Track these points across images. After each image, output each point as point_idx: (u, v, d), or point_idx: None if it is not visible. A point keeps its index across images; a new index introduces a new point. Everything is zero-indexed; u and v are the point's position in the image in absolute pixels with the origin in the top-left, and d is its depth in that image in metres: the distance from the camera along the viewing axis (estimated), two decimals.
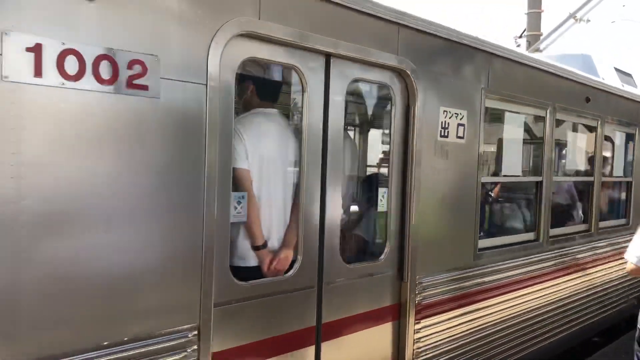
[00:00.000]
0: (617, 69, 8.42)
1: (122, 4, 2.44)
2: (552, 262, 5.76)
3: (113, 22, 2.41)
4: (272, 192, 3.36)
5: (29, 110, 2.19)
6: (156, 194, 2.59)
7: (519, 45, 12.63)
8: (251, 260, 3.28)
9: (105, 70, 2.37)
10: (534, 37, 11.97)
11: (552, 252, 5.74)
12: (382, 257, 3.92)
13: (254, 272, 3.25)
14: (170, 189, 2.64)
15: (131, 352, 2.55)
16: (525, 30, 12.39)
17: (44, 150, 2.24)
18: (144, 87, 2.50)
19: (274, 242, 3.37)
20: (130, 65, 2.44)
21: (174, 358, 2.71)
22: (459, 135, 4.36)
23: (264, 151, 3.33)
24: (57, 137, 2.28)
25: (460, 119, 4.36)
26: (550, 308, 5.77)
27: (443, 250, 4.35)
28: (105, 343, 2.47)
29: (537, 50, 11.36)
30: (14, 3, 2.14)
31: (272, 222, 3.36)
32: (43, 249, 2.26)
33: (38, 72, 2.19)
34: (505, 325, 5.12)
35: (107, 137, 2.42)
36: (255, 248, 3.27)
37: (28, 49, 2.16)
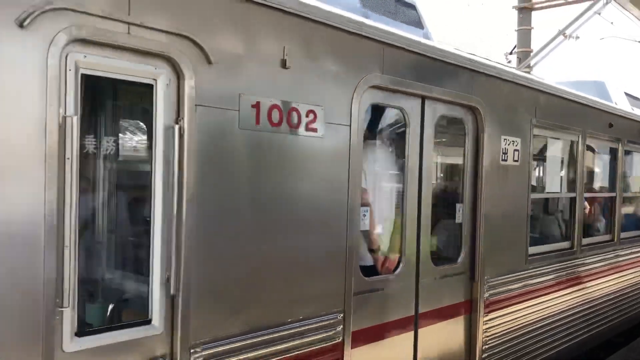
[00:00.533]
0: (627, 94, 9.36)
1: (303, 70, 3.33)
2: (584, 268, 6.62)
3: (298, 83, 3.30)
4: (382, 206, 4.24)
5: (252, 147, 3.08)
6: (322, 206, 3.47)
7: (509, 62, 13.34)
8: (368, 261, 4.13)
9: (294, 118, 3.26)
10: (524, 54, 12.50)
11: (584, 258, 6.60)
12: (459, 260, 4.80)
13: (370, 270, 4.11)
14: (329, 202, 3.52)
15: (303, 328, 3.41)
16: (515, 47, 12.88)
17: (262, 173, 3.13)
18: (315, 130, 3.39)
19: (384, 247, 4.24)
20: (307, 114, 3.33)
21: (328, 334, 3.57)
22: (514, 159, 5.26)
23: (376, 173, 4.22)
24: (264, 163, 3.16)
25: (516, 146, 5.26)
26: (581, 309, 6.61)
27: (503, 255, 5.21)
28: (289, 320, 3.33)
29: (528, 66, 12.17)
30: (244, 74, 3.02)
31: (382, 231, 4.24)
32: (258, 247, 3.14)
33: (257, 121, 3.07)
34: (546, 322, 5.95)
35: (296, 165, 3.31)
36: (372, 251, 4.14)
37: (252, 106, 3.04)
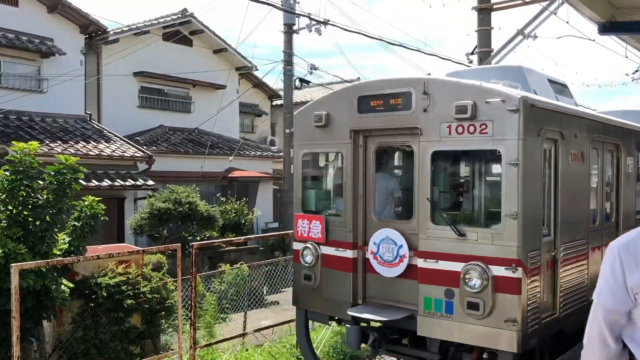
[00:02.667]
0: (550, 80, 11.64)
1: None
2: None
3: None
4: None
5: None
6: None
7: (470, 62, 15.22)
8: None
9: None
10: (484, 54, 13.64)
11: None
12: None
13: None
14: None
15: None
16: (476, 47, 14.03)
17: None
18: None
19: None
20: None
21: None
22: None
23: None
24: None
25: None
26: None
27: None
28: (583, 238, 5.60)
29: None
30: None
31: None
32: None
33: None
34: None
35: None
36: None
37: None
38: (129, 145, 15.39)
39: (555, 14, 12.95)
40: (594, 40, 14.45)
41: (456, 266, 5.35)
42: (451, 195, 6.27)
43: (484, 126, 5.20)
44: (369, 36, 14.83)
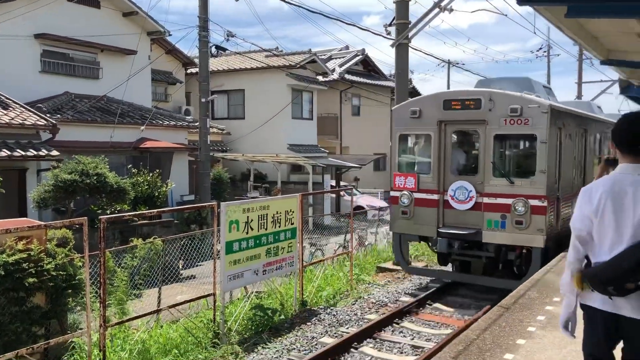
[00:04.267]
0: (544, 86, 13.61)
1: None
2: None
3: None
4: None
5: None
6: None
7: (389, 33, 15.33)
8: None
9: None
10: (402, 25, 13.84)
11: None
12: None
13: None
14: None
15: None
16: (394, 18, 14.11)
17: None
18: None
19: None
20: None
21: None
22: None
23: None
24: None
25: None
26: None
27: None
28: None
29: (406, 38, 14.47)
30: None
31: None
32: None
33: None
34: None
35: None
36: None
37: None
38: (30, 113, 14.25)
39: None
40: (506, 16, 15.21)
41: (508, 200, 9.70)
42: (504, 160, 10.25)
43: (527, 120, 9.47)
44: (287, 2, 14.43)
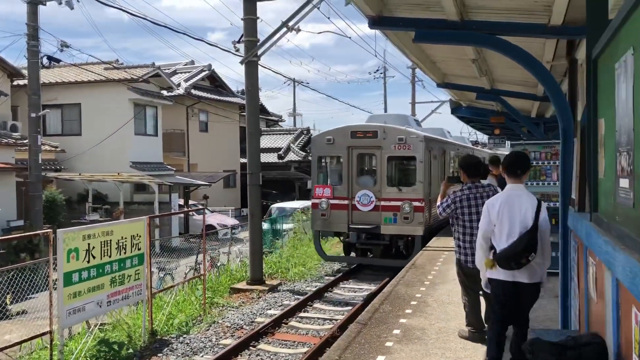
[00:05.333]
0: (415, 120, 19.07)
1: None
2: None
3: None
4: None
5: None
6: None
7: (237, 50, 15.11)
8: None
9: None
10: (251, 43, 13.65)
11: None
12: None
13: None
14: None
15: None
16: (242, 36, 13.83)
17: None
18: None
19: None
20: None
21: None
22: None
23: None
24: None
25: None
26: None
27: None
28: None
29: (255, 55, 14.39)
30: None
31: None
32: None
33: None
34: None
35: None
36: None
37: None
38: None
39: (318, 8, 13.66)
40: (350, 38, 16.48)
41: (398, 203, 13.50)
42: (394, 174, 14.18)
43: (409, 146, 13.47)
44: (129, 12, 13.65)
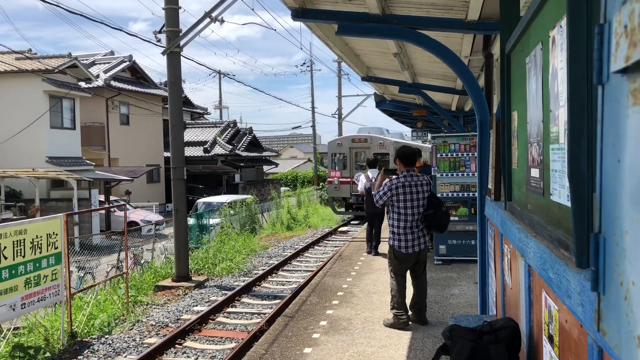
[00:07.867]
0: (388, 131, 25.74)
1: None
2: None
3: None
4: None
5: None
6: None
7: (159, 40, 14.60)
8: None
9: None
10: (173, 33, 13.26)
11: None
12: None
13: None
14: None
15: None
16: (164, 25, 13.39)
17: None
18: None
19: None
20: None
21: None
22: None
23: None
24: None
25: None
26: None
27: None
28: None
29: (178, 46, 14.03)
30: None
31: None
32: None
33: None
34: None
35: None
36: None
37: None
38: None
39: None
40: (275, 30, 15.85)
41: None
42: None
43: (386, 147, 22.70)
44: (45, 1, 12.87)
